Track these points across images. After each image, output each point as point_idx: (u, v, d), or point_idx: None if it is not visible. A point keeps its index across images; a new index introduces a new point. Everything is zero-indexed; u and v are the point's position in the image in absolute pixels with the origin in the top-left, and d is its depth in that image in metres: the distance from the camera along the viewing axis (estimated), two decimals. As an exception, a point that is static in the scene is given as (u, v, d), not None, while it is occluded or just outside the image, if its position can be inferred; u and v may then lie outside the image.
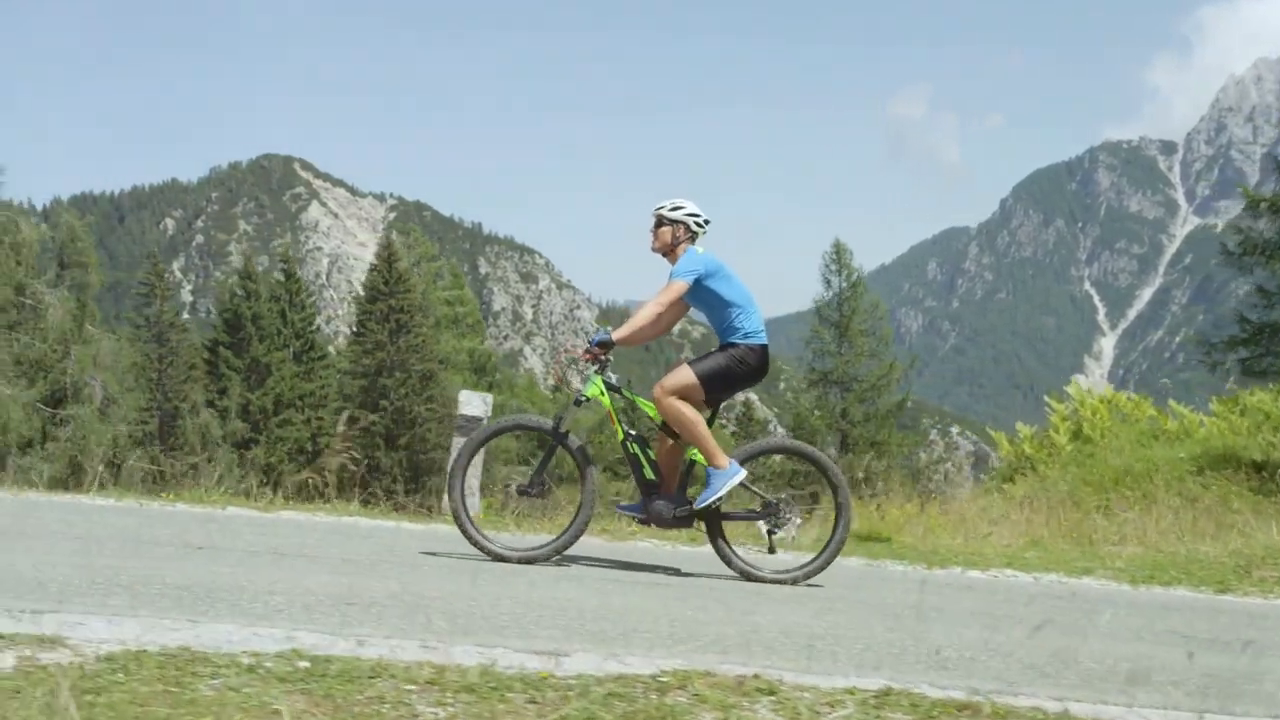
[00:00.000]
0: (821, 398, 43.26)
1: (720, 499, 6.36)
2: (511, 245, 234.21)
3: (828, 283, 44.35)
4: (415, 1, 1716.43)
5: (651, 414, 6.55)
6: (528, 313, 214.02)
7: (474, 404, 6.78)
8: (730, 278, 6.60)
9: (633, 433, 6.56)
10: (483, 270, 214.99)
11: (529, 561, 6.29)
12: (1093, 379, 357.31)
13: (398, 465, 46.19)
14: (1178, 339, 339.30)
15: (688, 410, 6.34)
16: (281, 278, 52.13)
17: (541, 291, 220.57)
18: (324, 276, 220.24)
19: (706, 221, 6.78)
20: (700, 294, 6.59)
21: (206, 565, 5.25)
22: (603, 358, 6.58)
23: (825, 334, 43.56)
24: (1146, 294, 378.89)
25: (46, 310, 31.58)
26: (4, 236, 29.02)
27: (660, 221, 6.75)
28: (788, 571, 6.42)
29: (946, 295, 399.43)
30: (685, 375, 6.43)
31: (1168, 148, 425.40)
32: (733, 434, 61.15)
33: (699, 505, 6.35)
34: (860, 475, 42.09)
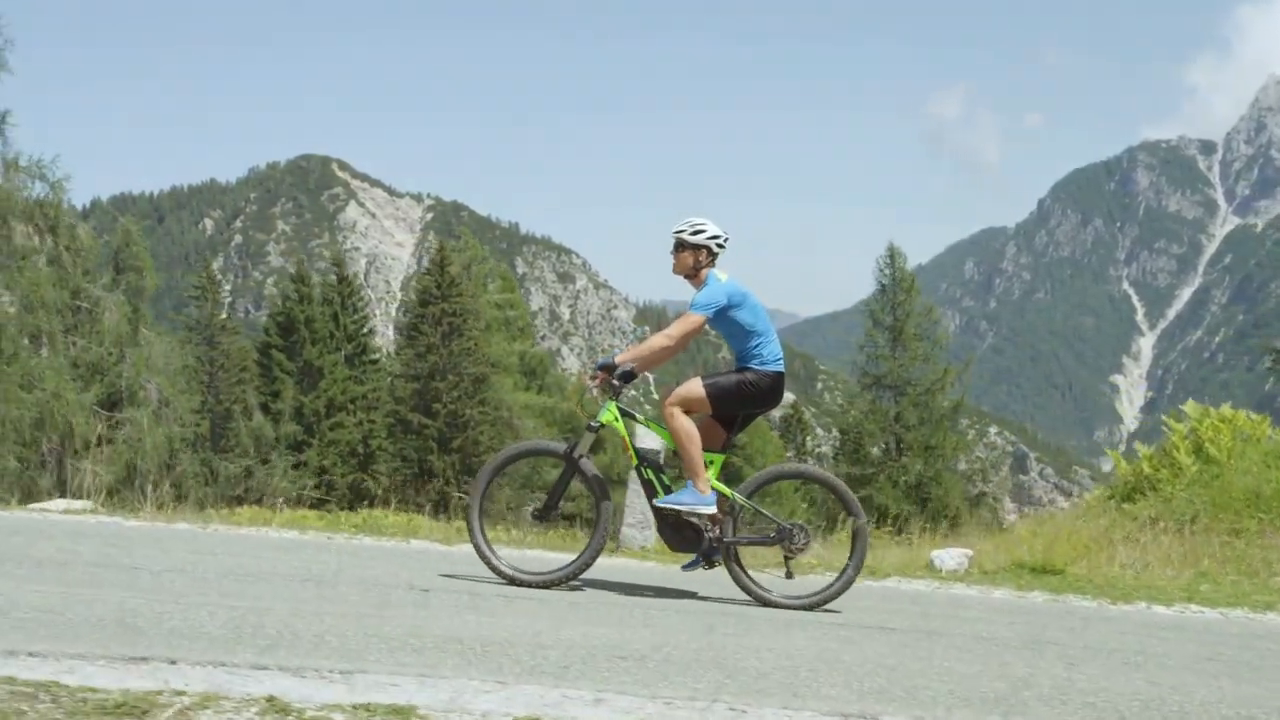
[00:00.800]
0: (875, 402, 43.12)
1: (679, 511, 6.38)
2: (549, 245, 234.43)
3: (881, 286, 44.17)
4: (455, 2, 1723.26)
5: (666, 440, 6.62)
6: (565, 313, 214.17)
7: (649, 439, 6.79)
8: (754, 307, 6.61)
9: (647, 457, 6.61)
10: (520, 270, 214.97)
11: (545, 586, 6.30)
12: (1131, 379, 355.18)
13: (450, 468, 46.24)
14: (1217, 339, 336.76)
15: (688, 424, 6.39)
16: (334, 280, 52.33)
17: (579, 291, 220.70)
18: (362, 276, 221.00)
19: (726, 240, 6.71)
20: (723, 322, 6.60)
21: (452, 612, 5.23)
22: (614, 382, 6.53)
23: (879, 337, 43.40)
24: (1186, 294, 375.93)
25: (102, 314, 31.73)
26: (69, 243, 29.16)
27: (681, 245, 6.67)
28: (804, 597, 6.43)
29: (984, 295, 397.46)
30: (694, 388, 6.48)
31: (1207, 147, 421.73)
32: (780, 435, 60.97)
33: (657, 502, 6.45)
34: (911, 480, 42.20)
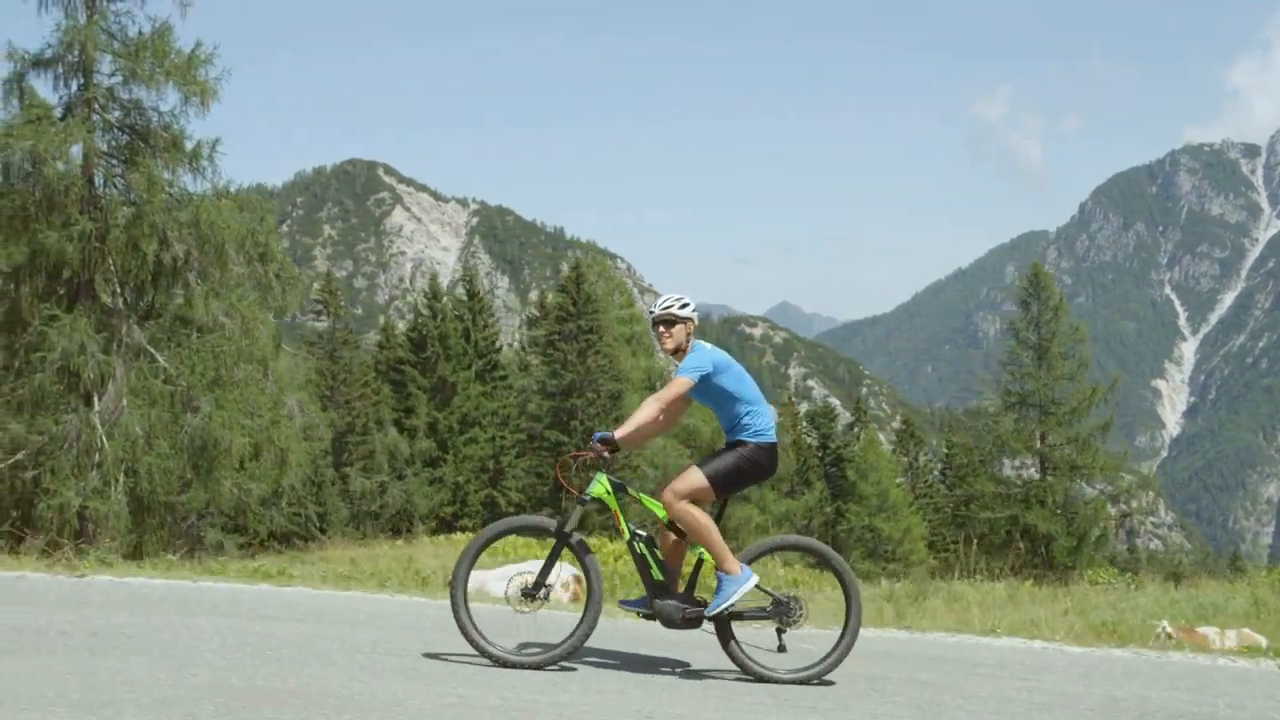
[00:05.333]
0: (1020, 420, 42.61)
1: (732, 605, 6.32)
2: (593, 250, 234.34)
3: (1024, 303, 43.78)
4: (500, 7, 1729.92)
5: (658, 512, 6.46)
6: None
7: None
8: (740, 375, 6.56)
9: (640, 533, 6.48)
10: (565, 274, 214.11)
11: (536, 667, 6.20)
12: (1173, 384, 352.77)
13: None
14: (1261, 344, 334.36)
15: (699, 515, 6.32)
16: (464, 296, 52.00)
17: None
18: (407, 281, 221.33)
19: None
20: (708, 390, 6.50)
21: None
22: (606, 455, 6.44)
23: (1023, 355, 42.96)
24: (1229, 298, 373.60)
25: (251, 330, 31.45)
26: (279, 270, 28.77)
27: (673, 320, 6.60)
28: (799, 671, 6.34)
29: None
30: (695, 478, 6.38)
31: (1250, 150, 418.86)
32: (893, 450, 60.30)
33: (709, 613, 6.31)
34: (1059, 500, 41.49)
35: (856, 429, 64.74)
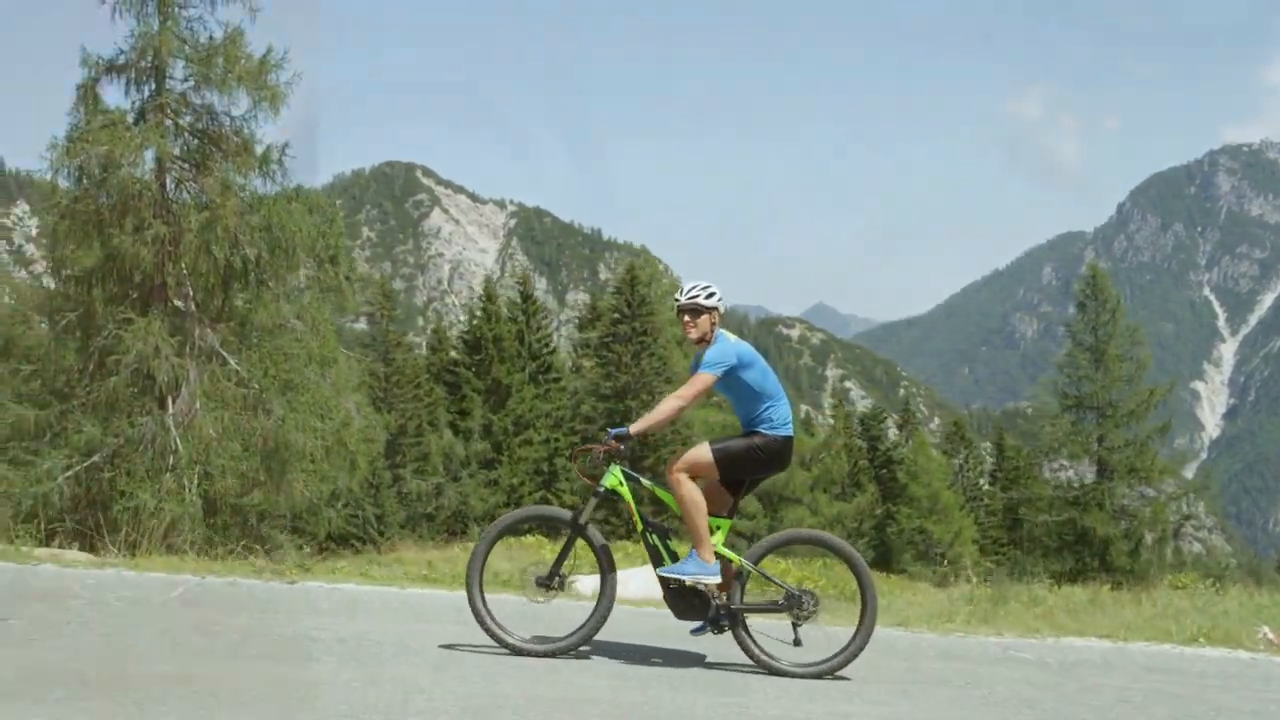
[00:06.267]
0: (1077, 423, 42.33)
1: (683, 580, 6.28)
2: (630, 250, 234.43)
3: (1081, 305, 43.53)
4: (536, 10, 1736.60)
5: (673, 505, 6.46)
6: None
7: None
8: (764, 369, 6.53)
9: (653, 523, 6.50)
10: (603, 276, 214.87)
11: (550, 655, 6.25)
12: (1213, 386, 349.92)
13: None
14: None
15: (695, 493, 6.31)
16: (518, 298, 51.95)
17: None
18: (445, 283, 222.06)
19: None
20: (729, 383, 6.50)
21: None
22: (620, 447, 6.46)
23: (1080, 358, 42.69)
24: (1268, 299, 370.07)
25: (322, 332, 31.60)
26: (348, 272, 28.84)
27: (698, 310, 6.58)
28: (812, 665, 6.32)
29: (1062, 300, 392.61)
30: (702, 453, 6.40)
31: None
32: (943, 452, 59.87)
33: (659, 571, 6.35)
34: (1118, 504, 41.07)
35: (905, 433, 64.58)
